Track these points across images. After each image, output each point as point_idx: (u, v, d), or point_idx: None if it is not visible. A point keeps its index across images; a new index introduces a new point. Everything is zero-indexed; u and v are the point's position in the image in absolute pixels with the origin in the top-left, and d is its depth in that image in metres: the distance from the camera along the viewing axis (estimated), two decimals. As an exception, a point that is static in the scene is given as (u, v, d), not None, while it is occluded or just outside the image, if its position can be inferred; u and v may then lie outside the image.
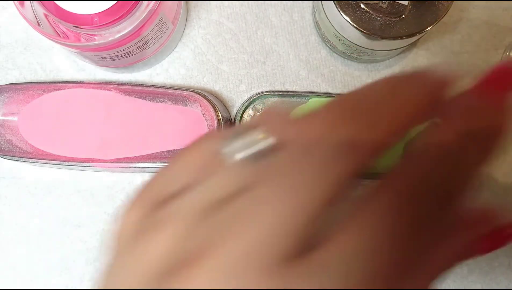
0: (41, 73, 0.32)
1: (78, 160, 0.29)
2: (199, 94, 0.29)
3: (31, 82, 0.30)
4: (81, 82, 0.30)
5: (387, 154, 0.34)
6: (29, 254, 0.32)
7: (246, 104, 0.31)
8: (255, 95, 0.31)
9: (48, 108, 0.29)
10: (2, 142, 0.29)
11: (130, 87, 0.29)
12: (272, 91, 0.31)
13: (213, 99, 0.30)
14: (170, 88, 0.30)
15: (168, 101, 0.29)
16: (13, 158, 0.29)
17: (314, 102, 0.31)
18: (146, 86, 0.30)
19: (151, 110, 0.29)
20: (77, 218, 0.32)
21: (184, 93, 0.29)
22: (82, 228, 0.32)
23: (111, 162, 0.29)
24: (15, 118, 0.29)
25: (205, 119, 0.29)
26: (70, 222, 0.32)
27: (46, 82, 0.30)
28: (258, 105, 0.32)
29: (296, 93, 0.32)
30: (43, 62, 0.32)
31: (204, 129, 0.29)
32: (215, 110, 0.29)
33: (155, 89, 0.29)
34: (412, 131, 0.34)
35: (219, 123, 0.29)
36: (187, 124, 0.29)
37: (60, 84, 0.29)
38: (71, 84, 0.29)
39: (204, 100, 0.29)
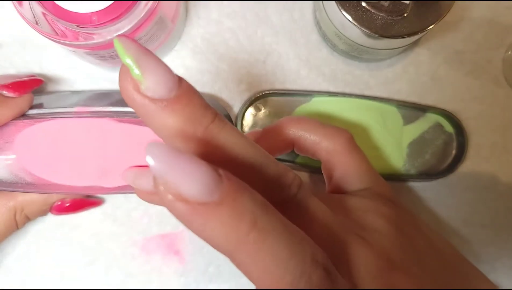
0: (38, 72, 0.32)
1: (81, 189, 0.28)
2: None
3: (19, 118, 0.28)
4: (72, 112, 0.28)
5: (392, 155, 0.34)
6: (28, 255, 0.32)
7: (248, 103, 0.31)
8: (257, 94, 0.31)
9: (43, 138, 0.28)
10: (3, 174, 0.28)
11: (124, 115, 0.28)
12: (274, 90, 0.31)
13: None
14: None
15: None
16: (15, 190, 0.28)
17: (316, 101, 0.31)
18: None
19: (148, 135, 0.28)
20: (74, 219, 0.31)
21: None
22: (80, 229, 0.32)
23: (114, 190, 0.29)
24: (12, 152, 0.28)
25: None
26: (68, 223, 0.32)
27: (35, 116, 0.28)
28: (260, 104, 0.31)
29: (298, 92, 0.31)
30: (41, 61, 0.32)
31: None
32: None
33: None
34: (415, 132, 0.34)
35: None
36: None
37: (50, 116, 0.28)
38: (62, 115, 0.28)
39: None
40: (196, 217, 0.14)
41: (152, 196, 0.21)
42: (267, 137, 0.26)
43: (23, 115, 0.28)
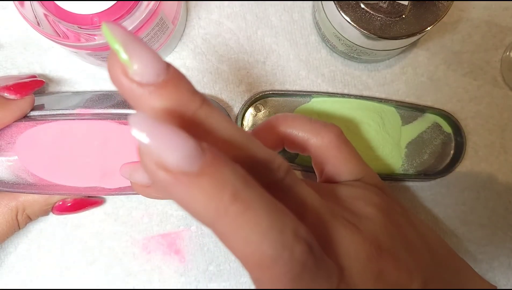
0: (40, 73, 0.32)
1: (83, 190, 0.28)
2: None
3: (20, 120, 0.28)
4: (74, 114, 0.28)
5: (391, 155, 0.34)
6: (30, 254, 0.32)
7: (248, 104, 0.31)
8: (257, 94, 0.31)
9: (44, 139, 0.28)
10: (5, 175, 0.28)
11: (125, 117, 0.28)
12: (274, 91, 0.31)
13: None
14: None
15: None
16: (17, 191, 0.28)
17: (316, 102, 0.31)
18: None
19: None
20: (76, 218, 0.32)
21: None
22: (82, 228, 0.32)
23: (115, 191, 0.29)
24: (13, 153, 0.28)
25: None
26: (70, 222, 0.32)
27: (36, 118, 0.28)
28: (260, 104, 0.32)
29: (297, 93, 0.31)
30: (42, 62, 0.32)
31: None
32: None
33: None
34: (413, 132, 0.34)
35: None
36: None
37: (52, 117, 0.28)
38: (63, 117, 0.28)
39: None
40: (178, 186, 0.14)
41: (147, 189, 0.21)
42: (256, 137, 0.26)
43: (24, 117, 0.28)
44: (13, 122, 0.28)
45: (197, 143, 0.14)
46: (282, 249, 0.15)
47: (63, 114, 0.29)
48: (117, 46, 0.15)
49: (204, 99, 0.16)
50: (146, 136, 0.14)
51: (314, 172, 0.32)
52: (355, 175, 0.25)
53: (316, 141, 0.25)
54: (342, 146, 0.25)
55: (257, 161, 0.17)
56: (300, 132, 0.25)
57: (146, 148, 0.14)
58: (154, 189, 0.21)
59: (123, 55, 0.15)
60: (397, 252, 0.20)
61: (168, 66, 0.16)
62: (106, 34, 0.15)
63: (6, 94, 0.27)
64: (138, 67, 0.15)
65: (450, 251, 0.26)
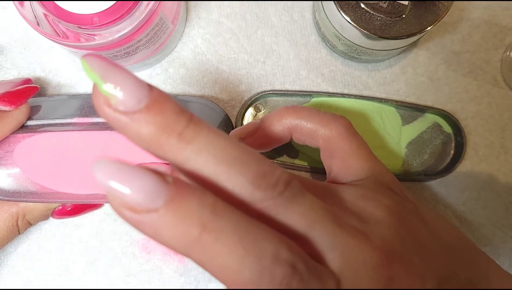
0: (40, 73, 0.32)
1: (84, 197, 0.28)
2: None
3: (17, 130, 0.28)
4: (72, 124, 0.28)
5: (391, 155, 0.34)
6: (30, 254, 0.32)
7: (248, 103, 0.31)
8: (257, 94, 0.31)
9: (43, 148, 0.27)
10: (6, 184, 0.28)
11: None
12: (274, 91, 0.31)
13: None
14: None
15: None
16: (18, 199, 0.28)
17: (316, 101, 0.31)
18: None
19: None
20: (77, 219, 0.32)
21: None
22: (82, 228, 0.32)
23: None
24: (13, 161, 0.27)
25: None
26: (70, 222, 0.32)
27: (33, 128, 0.28)
28: (260, 104, 0.32)
29: (297, 93, 0.31)
30: (42, 62, 0.32)
31: None
32: None
33: None
34: (413, 132, 0.34)
35: None
36: None
37: (49, 127, 0.28)
38: (62, 127, 0.28)
39: None
40: (144, 224, 0.15)
41: None
42: (265, 127, 0.26)
43: (21, 127, 0.28)
44: (10, 133, 0.27)
45: (160, 179, 0.15)
46: (261, 275, 0.15)
47: (61, 123, 0.28)
48: (95, 78, 0.15)
49: (191, 118, 0.16)
50: (108, 180, 0.14)
51: (317, 172, 0.32)
52: (366, 171, 0.24)
53: (324, 132, 0.25)
54: (352, 138, 0.25)
55: (253, 176, 0.16)
56: (309, 123, 0.25)
57: (109, 190, 0.14)
58: None
59: (103, 87, 0.15)
60: (409, 257, 0.20)
61: (151, 89, 0.16)
62: (84, 67, 0.15)
63: (0, 106, 0.26)
64: (119, 97, 0.15)
65: (468, 243, 0.25)
